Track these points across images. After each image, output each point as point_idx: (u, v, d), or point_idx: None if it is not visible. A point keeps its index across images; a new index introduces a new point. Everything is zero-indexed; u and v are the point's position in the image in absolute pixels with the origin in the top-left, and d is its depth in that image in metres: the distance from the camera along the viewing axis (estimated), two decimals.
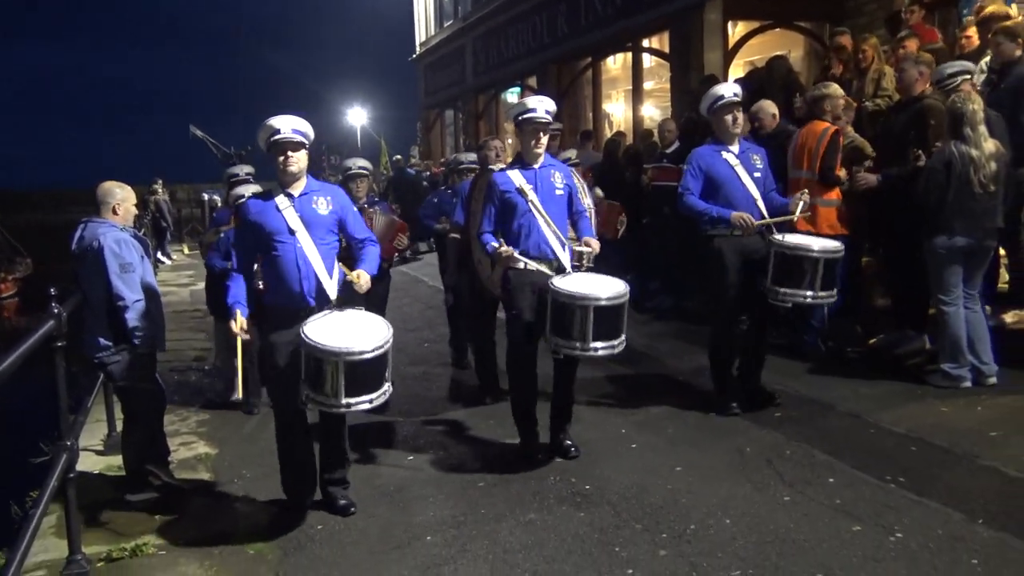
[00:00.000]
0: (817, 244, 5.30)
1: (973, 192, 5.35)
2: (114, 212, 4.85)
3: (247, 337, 4.29)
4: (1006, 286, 6.54)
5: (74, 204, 27.84)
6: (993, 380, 5.56)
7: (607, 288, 4.59)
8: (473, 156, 7.10)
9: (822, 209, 6.25)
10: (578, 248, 4.90)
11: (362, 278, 4.30)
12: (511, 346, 4.96)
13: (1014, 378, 5.61)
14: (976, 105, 5.39)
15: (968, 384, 5.55)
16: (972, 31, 7.15)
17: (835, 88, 6.70)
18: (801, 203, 5.37)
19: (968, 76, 6.01)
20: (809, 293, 5.25)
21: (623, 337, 4.67)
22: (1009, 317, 6.26)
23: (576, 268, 4.86)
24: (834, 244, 5.36)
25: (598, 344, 4.55)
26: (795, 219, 5.42)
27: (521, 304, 4.85)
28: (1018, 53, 5.95)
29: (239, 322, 4.24)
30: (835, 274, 5.33)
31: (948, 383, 5.57)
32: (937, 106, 5.91)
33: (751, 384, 5.64)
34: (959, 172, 5.35)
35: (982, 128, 5.37)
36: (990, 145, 5.38)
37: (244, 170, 7.09)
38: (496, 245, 4.82)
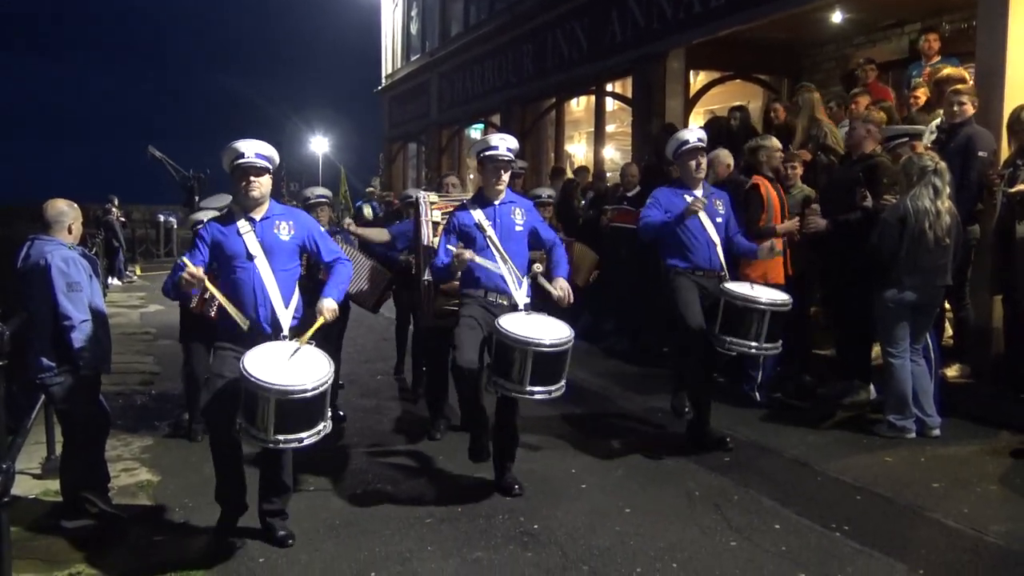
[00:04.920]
0: (765, 296, 5.33)
1: (928, 246, 5.47)
2: (69, 231, 4.74)
3: (199, 273, 4.04)
4: (951, 340, 6.70)
5: (18, 219, 27.19)
6: (936, 432, 5.68)
7: (551, 333, 4.57)
8: (413, 191, 7.44)
9: (758, 263, 6.19)
10: (555, 293, 4.86)
11: (327, 312, 4.26)
12: (455, 371, 4.82)
13: (955, 431, 5.76)
14: (943, 163, 5.53)
15: (912, 435, 5.66)
16: (921, 92, 7.39)
17: (771, 141, 6.87)
18: (770, 246, 5.58)
19: (905, 140, 6.23)
20: (754, 344, 5.30)
21: (562, 383, 4.64)
22: (951, 371, 6.42)
23: (528, 307, 4.85)
24: (782, 296, 5.39)
25: (535, 388, 4.53)
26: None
27: (464, 336, 4.75)
28: (969, 112, 6.15)
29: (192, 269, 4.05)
30: (780, 326, 5.38)
31: (893, 434, 5.68)
32: (887, 164, 6.08)
33: (700, 428, 5.68)
34: (913, 227, 5.48)
35: (949, 185, 5.52)
36: (947, 201, 5.52)
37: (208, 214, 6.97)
38: (452, 248, 4.75)
